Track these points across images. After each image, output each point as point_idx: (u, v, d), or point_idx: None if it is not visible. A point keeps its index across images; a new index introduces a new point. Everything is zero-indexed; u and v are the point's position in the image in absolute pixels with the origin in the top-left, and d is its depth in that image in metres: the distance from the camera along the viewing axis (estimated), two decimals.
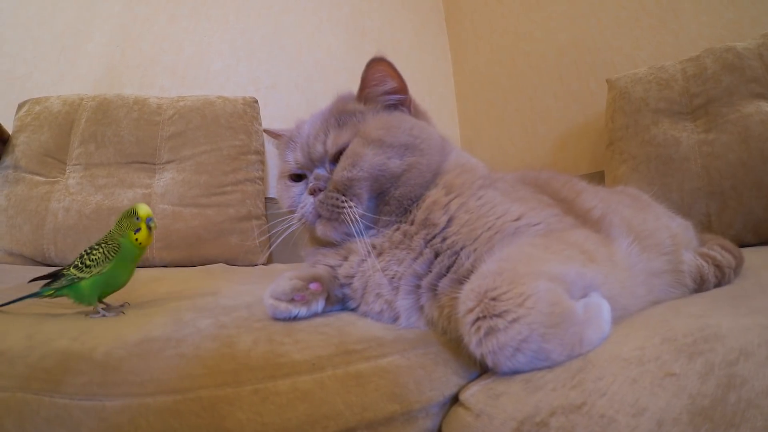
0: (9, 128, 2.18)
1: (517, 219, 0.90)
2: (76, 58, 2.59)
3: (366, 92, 1.06)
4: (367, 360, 0.78)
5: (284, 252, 2.15)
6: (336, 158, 1.01)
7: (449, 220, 0.92)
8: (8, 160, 2.11)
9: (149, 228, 1.07)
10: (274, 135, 1.22)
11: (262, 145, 2.39)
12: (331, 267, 1.02)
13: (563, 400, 0.62)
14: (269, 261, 2.22)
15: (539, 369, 0.68)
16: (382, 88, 1.05)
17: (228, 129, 2.27)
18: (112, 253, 1.04)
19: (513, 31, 2.82)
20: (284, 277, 0.95)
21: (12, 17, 2.54)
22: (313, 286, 0.94)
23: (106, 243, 1.06)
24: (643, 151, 1.84)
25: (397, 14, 3.21)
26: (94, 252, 1.06)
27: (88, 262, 1.05)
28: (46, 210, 2.01)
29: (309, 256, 1.11)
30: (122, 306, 1.09)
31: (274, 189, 2.51)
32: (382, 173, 0.95)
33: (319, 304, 0.94)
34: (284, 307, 0.90)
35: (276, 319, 0.90)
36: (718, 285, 1.09)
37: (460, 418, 0.71)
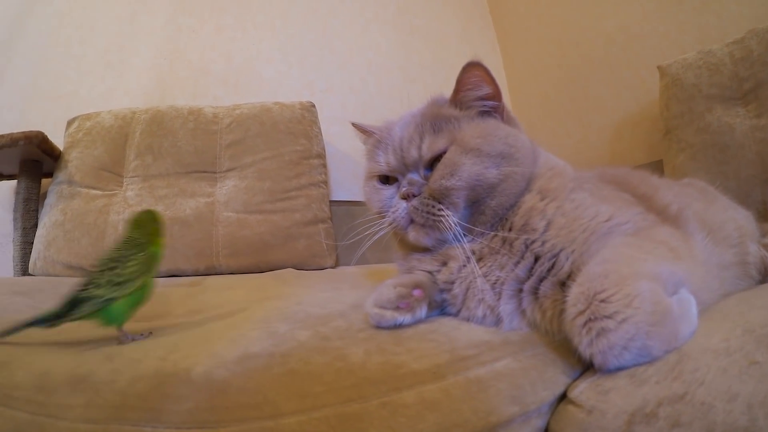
0: (58, 145, 2.21)
1: (608, 220, 0.92)
2: (124, 72, 2.64)
3: (460, 96, 1.05)
4: (483, 365, 0.79)
5: (349, 254, 2.18)
6: (430, 164, 1.00)
7: (547, 225, 0.93)
8: (61, 176, 2.14)
9: None
10: (363, 130, 1.20)
11: (323, 148, 2.40)
12: (429, 272, 1.02)
13: (667, 391, 0.66)
14: (336, 264, 2.24)
15: (640, 364, 0.71)
16: (476, 93, 1.04)
17: (288, 134, 2.29)
18: (151, 265, 0.96)
19: (559, 20, 2.80)
20: (387, 285, 0.95)
21: (50, 38, 2.59)
22: (416, 292, 0.94)
23: (136, 253, 0.96)
24: (700, 139, 1.82)
25: (442, 10, 3.22)
26: (129, 265, 0.94)
27: (120, 279, 0.93)
28: (106, 222, 2.02)
29: (402, 261, 1.11)
30: (148, 333, 0.98)
31: (337, 192, 2.57)
32: (480, 183, 0.95)
33: (422, 311, 0.94)
34: (390, 315, 0.89)
35: (380, 327, 0.90)
36: None
37: (572, 415, 0.74)
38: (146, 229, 0.99)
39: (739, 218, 1.22)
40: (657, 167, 1.97)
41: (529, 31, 3.03)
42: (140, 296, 0.94)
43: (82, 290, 0.90)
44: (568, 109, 2.77)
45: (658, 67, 2.02)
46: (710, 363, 0.68)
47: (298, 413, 0.70)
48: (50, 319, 0.88)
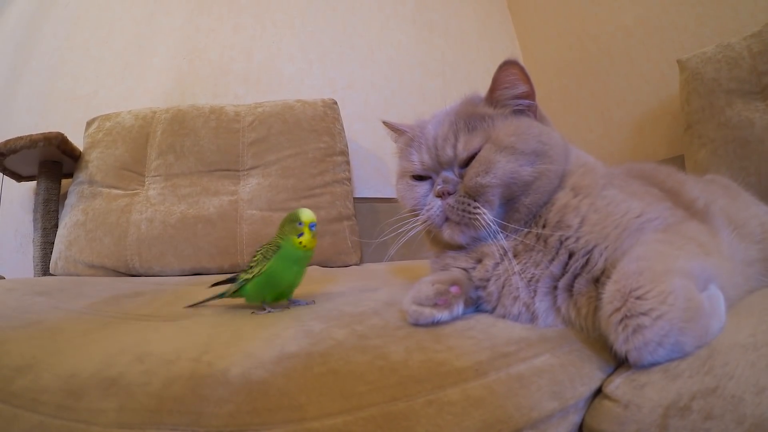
0: (77, 146, 2.23)
1: (639, 216, 0.93)
2: (143, 73, 2.66)
3: (496, 95, 1.06)
4: (524, 361, 0.79)
5: (375, 252, 2.19)
6: (466, 163, 1.01)
7: (581, 221, 0.94)
8: (82, 176, 2.16)
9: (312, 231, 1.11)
10: (394, 129, 1.21)
11: (346, 145, 2.40)
12: (464, 270, 1.02)
13: (700, 385, 0.68)
14: (361, 261, 2.25)
15: (673, 360, 0.73)
16: (512, 91, 1.05)
17: (311, 132, 2.29)
18: (270, 254, 1.12)
19: (577, 13, 2.78)
20: (424, 282, 0.96)
21: (67, 40, 2.64)
22: (453, 289, 0.95)
23: (267, 245, 1.15)
24: (721, 134, 1.80)
25: (460, 6, 3.21)
26: (256, 255, 1.16)
27: (251, 264, 1.15)
28: (128, 222, 2.03)
29: (435, 259, 1.12)
30: (307, 301, 1.17)
31: (361, 189, 2.59)
32: (514, 181, 0.95)
33: (459, 308, 0.95)
34: (428, 313, 0.90)
35: (417, 325, 0.90)
36: None
37: (608, 409, 0.75)
38: (283, 227, 1.15)
39: (761, 214, 1.22)
40: (678, 162, 1.96)
41: (548, 25, 3.02)
42: (264, 280, 1.10)
43: (238, 273, 1.18)
44: (588, 104, 2.74)
45: (678, 61, 2.00)
46: (739, 357, 0.70)
47: (343, 413, 0.69)
48: (221, 295, 1.20)
